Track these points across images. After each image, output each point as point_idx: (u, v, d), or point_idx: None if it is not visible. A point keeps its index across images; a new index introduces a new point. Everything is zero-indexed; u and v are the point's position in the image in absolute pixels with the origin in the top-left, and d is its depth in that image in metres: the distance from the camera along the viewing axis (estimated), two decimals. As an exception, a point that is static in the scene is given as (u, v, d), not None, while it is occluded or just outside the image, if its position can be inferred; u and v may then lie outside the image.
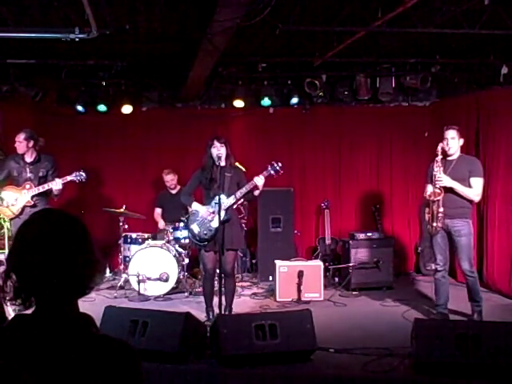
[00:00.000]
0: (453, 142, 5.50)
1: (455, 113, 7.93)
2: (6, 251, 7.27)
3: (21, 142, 6.27)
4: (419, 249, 8.34)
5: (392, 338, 4.98)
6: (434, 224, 5.48)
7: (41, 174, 6.34)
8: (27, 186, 6.24)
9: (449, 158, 5.57)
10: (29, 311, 1.45)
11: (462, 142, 5.60)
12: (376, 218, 8.28)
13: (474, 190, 5.49)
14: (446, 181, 5.42)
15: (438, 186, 5.43)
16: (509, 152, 6.86)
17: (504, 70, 6.98)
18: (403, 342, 4.62)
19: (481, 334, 4.16)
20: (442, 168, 5.45)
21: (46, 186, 6.23)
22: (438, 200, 5.43)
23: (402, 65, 7.91)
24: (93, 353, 1.37)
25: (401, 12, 5.14)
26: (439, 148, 5.50)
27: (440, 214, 5.44)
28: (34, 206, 6.19)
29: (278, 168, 5.53)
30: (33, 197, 6.21)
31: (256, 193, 5.59)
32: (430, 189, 5.52)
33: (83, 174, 6.33)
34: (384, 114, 8.61)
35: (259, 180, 5.44)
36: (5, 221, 7.37)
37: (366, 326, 5.58)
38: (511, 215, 6.81)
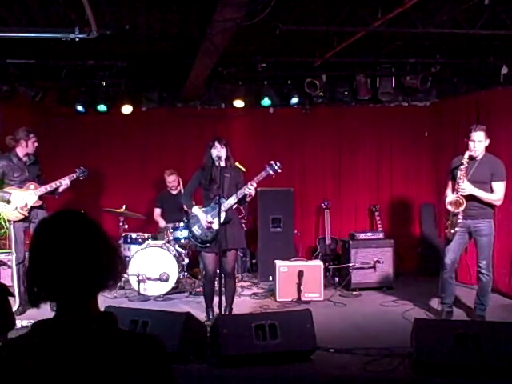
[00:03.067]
0: (480, 144, 5.38)
1: (455, 113, 7.93)
2: (6, 251, 7.27)
3: (37, 143, 6.18)
4: (419, 249, 8.34)
5: (392, 338, 4.98)
6: (452, 231, 5.46)
7: (38, 173, 6.28)
8: (32, 187, 6.06)
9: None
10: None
11: (487, 142, 5.44)
12: (376, 218, 8.28)
13: (496, 194, 5.41)
14: (468, 189, 5.34)
15: (460, 194, 5.35)
16: (509, 152, 6.85)
17: (504, 70, 6.98)
18: (403, 342, 4.62)
19: (481, 334, 4.16)
20: (465, 177, 5.34)
21: (53, 185, 6.10)
22: (459, 212, 5.37)
23: (401, 65, 7.91)
24: (122, 350, 1.37)
25: (401, 12, 5.14)
26: (467, 156, 5.34)
27: (459, 221, 5.41)
28: (40, 206, 6.09)
29: (276, 168, 5.53)
30: (39, 197, 6.10)
31: (248, 199, 5.61)
32: (450, 198, 5.42)
33: (86, 171, 6.33)
34: (384, 113, 8.61)
35: (251, 189, 5.43)
36: (5, 221, 7.36)
37: (366, 326, 5.58)
38: (511, 215, 6.81)
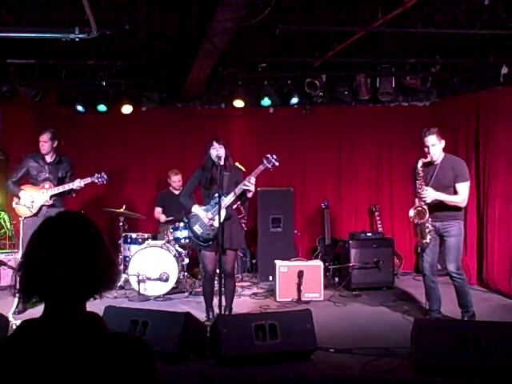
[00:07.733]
0: (434, 148, 5.25)
1: (455, 113, 7.94)
2: (6, 251, 7.28)
3: (46, 142, 6.21)
4: (419, 249, 8.33)
5: (392, 338, 4.97)
6: (424, 240, 5.37)
7: (60, 175, 6.33)
8: (46, 186, 6.18)
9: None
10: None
11: (443, 143, 5.32)
12: (376, 218, 8.29)
13: (460, 196, 5.28)
14: (432, 195, 5.23)
15: (423, 202, 5.27)
16: (509, 152, 6.86)
17: (504, 70, 6.97)
18: (403, 342, 4.61)
19: (481, 334, 4.15)
20: (424, 184, 5.27)
21: (66, 186, 6.20)
22: (424, 221, 5.28)
23: (402, 65, 7.91)
24: (107, 351, 1.36)
25: (401, 12, 5.14)
26: (419, 165, 5.27)
27: (427, 230, 5.31)
28: (52, 205, 6.15)
29: (273, 160, 5.51)
30: (51, 196, 6.17)
31: (249, 194, 5.56)
32: (411, 213, 5.35)
33: (105, 176, 6.36)
34: (384, 113, 8.61)
35: (249, 185, 5.41)
36: (5, 221, 7.37)
37: (366, 326, 5.58)
38: (511, 215, 6.81)
